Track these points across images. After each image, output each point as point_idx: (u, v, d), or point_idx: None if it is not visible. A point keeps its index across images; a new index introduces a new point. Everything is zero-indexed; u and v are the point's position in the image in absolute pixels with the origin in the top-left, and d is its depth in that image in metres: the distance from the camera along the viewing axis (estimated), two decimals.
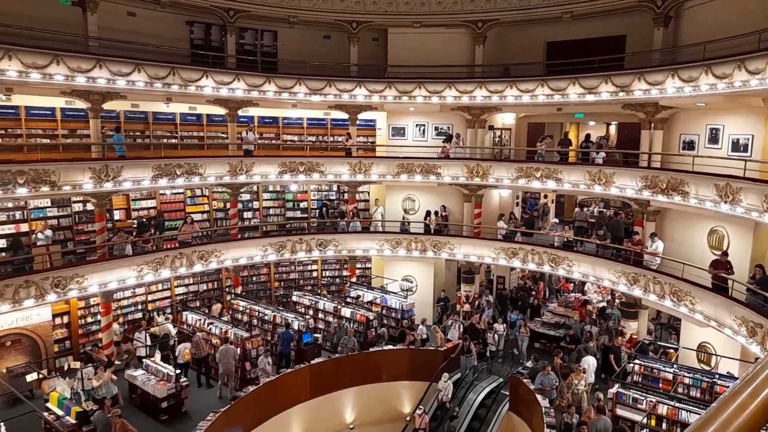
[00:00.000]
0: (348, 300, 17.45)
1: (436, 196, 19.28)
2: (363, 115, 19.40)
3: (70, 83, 13.42)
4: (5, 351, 13.41)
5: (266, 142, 19.64)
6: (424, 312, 17.78)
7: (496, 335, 15.44)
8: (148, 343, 14.36)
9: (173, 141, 17.65)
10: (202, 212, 18.72)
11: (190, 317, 15.77)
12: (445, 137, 18.75)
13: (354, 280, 19.27)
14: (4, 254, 13.45)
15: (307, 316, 16.40)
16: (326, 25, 19.24)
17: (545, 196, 22.10)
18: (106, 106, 14.66)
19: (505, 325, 16.05)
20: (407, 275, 19.24)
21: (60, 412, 11.37)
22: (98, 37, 14.59)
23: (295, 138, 20.43)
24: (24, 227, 14.45)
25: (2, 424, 9.95)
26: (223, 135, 18.55)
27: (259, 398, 11.92)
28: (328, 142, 20.53)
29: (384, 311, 16.96)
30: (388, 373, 13.87)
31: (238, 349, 13.51)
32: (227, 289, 18.13)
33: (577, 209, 20.27)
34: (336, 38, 19.50)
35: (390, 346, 14.51)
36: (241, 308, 16.72)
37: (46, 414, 11.10)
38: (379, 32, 19.65)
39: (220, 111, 17.35)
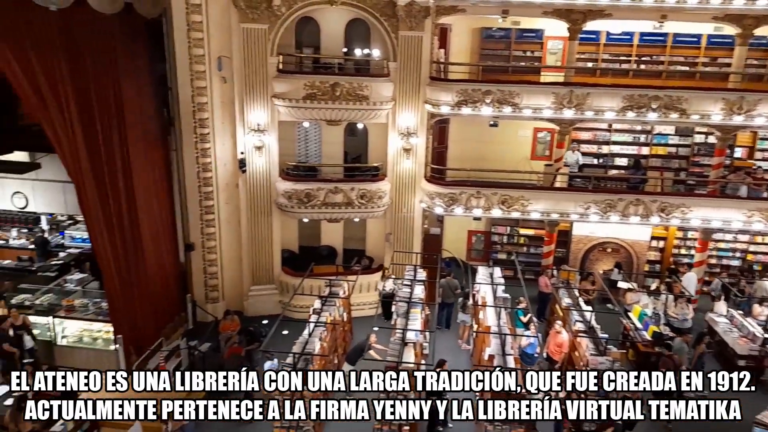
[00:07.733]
0: None
1: None
2: None
3: (725, 6, 12.80)
4: (605, 255, 15.38)
5: None
6: None
7: None
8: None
9: None
10: None
11: None
12: None
13: None
14: (625, 171, 14.93)
15: None
16: None
17: None
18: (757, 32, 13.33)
19: None
20: None
21: (638, 325, 12.30)
22: None
23: None
24: (645, 151, 15.45)
25: (593, 314, 11.58)
26: None
27: None
28: None
29: None
30: None
31: None
32: None
33: None
34: None
35: None
36: None
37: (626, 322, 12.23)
38: None
39: None
